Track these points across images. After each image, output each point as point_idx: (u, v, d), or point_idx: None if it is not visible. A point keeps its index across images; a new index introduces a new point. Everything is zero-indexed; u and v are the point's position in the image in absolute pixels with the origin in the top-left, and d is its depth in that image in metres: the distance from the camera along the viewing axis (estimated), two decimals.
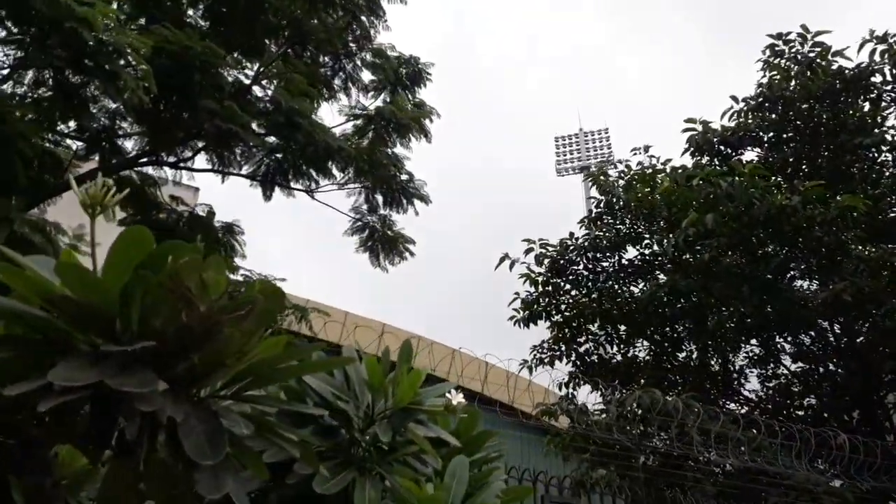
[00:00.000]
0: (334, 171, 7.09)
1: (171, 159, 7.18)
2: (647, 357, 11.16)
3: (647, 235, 10.47)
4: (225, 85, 5.99)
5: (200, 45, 5.56)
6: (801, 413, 11.49)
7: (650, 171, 9.80)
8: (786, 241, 8.49)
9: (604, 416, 8.51)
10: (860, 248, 7.96)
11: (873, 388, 9.98)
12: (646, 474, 8.46)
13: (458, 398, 1.91)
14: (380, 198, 7.60)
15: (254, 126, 6.27)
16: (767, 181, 7.95)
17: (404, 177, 7.51)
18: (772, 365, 11.87)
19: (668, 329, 10.76)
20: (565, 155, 44.42)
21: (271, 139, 6.67)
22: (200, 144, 6.95)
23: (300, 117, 5.94)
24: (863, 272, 7.90)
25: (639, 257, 10.86)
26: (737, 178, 7.75)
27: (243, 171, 7.46)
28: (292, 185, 7.28)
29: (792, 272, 8.80)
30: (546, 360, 10.95)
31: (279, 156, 6.87)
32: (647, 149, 10.82)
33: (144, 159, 7.10)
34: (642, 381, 10.87)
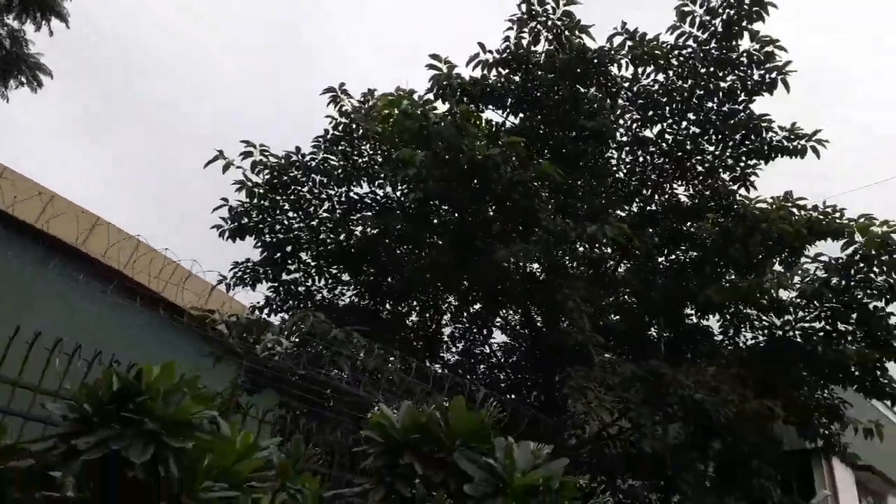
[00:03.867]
0: None
1: None
2: (356, 300, 10.74)
3: (383, 173, 9.98)
4: None
5: None
6: (503, 385, 11.80)
7: (391, 100, 9.25)
8: (493, 199, 8.40)
9: (266, 335, 7.88)
10: (552, 218, 8.03)
11: (555, 369, 10.43)
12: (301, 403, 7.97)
13: None
14: None
15: None
16: (479, 128, 7.74)
17: None
18: (478, 334, 12.11)
19: (379, 276, 10.41)
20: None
21: None
22: None
23: None
24: (547, 242, 7.98)
25: (370, 194, 10.36)
26: (448, 117, 7.43)
27: None
28: None
29: (493, 234, 8.72)
30: (248, 281, 10.10)
31: None
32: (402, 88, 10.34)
33: None
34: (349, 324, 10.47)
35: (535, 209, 7.89)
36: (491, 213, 8.71)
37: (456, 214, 9.21)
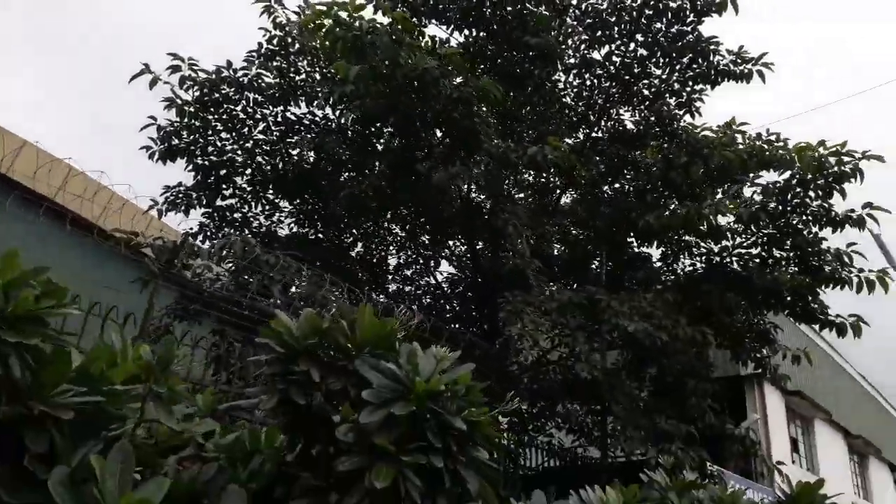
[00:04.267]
0: None
1: None
2: (297, 229, 10.42)
3: (321, 92, 9.49)
4: None
5: None
6: (449, 316, 11.75)
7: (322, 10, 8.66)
8: (433, 119, 8.09)
9: (196, 261, 7.57)
10: (493, 140, 7.79)
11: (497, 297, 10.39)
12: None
13: None
14: None
15: None
16: (419, 42, 7.34)
17: None
18: (425, 265, 11.98)
19: (320, 203, 10.07)
20: None
21: None
22: None
23: None
24: (488, 165, 7.76)
25: (308, 115, 9.91)
26: (380, 25, 7.00)
27: None
28: None
29: (435, 157, 8.42)
30: (181, 206, 9.64)
31: None
32: None
33: None
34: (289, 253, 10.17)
35: (477, 131, 7.62)
36: (434, 138, 8.42)
37: (398, 138, 8.89)
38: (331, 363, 2.91)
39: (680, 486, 4.87)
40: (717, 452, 9.64)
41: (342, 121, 9.34)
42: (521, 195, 10.78)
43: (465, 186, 9.13)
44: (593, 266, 10.89)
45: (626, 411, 7.88)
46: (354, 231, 10.94)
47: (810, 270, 8.88)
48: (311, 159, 9.72)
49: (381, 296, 11.36)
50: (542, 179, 10.77)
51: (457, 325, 11.04)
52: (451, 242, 11.64)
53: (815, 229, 8.69)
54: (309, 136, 9.73)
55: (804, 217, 8.66)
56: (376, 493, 2.53)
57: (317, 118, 9.94)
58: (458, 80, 7.49)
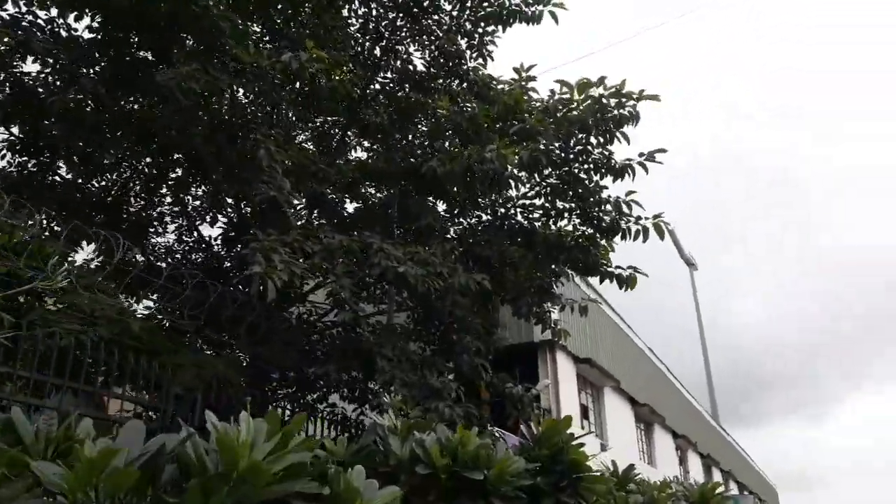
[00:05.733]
0: None
1: None
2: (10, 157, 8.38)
3: None
4: None
5: None
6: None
7: None
8: (168, 16, 6.65)
9: None
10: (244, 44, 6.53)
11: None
12: None
13: None
14: None
15: None
16: None
17: None
18: (196, 216, 10.41)
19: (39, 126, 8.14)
20: None
21: None
22: None
23: None
24: (238, 75, 6.50)
25: (28, 15, 7.92)
26: None
27: None
28: None
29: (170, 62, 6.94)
30: None
31: None
32: None
33: None
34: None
35: (222, 30, 6.33)
36: (174, 40, 6.97)
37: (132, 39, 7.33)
38: None
39: (405, 430, 4.09)
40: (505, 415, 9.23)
41: (52, 15, 7.53)
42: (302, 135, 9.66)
43: (224, 113, 7.77)
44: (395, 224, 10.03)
45: (393, 366, 7.04)
46: (90, 166, 9.05)
47: (591, 221, 8.66)
48: (29, 72, 7.79)
49: (136, 253, 9.60)
50: (323, 121, 9.74)
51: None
52: (226, 197, 10.16)
53: (596, 178, 8.46)
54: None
55: (586, 165, 8.39)
56: None
57: (40, 20, 7.98)
58: None
